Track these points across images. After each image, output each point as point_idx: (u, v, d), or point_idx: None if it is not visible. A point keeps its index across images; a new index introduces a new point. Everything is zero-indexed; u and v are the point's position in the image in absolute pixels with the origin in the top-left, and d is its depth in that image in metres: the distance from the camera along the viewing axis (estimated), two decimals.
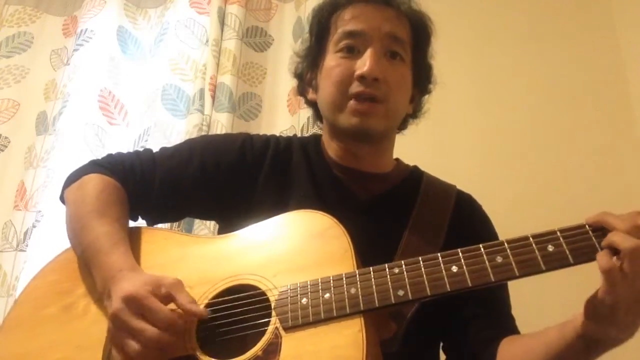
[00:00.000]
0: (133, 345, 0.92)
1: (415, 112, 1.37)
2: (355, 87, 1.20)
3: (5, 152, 2.26)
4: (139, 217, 1.27)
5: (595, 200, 1.85)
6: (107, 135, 2.16)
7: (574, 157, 2.01)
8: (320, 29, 1.32)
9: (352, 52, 1.24)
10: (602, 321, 0.87)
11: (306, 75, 1.37)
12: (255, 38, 2.32)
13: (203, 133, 2.04)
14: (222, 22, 2.24)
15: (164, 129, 2.14)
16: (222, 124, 2.06)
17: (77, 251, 1.14)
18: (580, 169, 1.98)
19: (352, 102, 1.20)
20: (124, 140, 2.17)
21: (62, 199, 1.26)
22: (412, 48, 1.29)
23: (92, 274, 1.07)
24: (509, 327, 1.16)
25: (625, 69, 2.08)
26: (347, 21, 1.27)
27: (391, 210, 1.24)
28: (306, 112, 2.00)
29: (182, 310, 0.95)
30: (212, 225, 1.87)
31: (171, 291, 0.96)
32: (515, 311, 1.20)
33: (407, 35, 1.28)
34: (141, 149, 1.34)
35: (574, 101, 2.08)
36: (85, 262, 1.09)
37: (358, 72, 1.20)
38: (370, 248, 1.02)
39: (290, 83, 2.14)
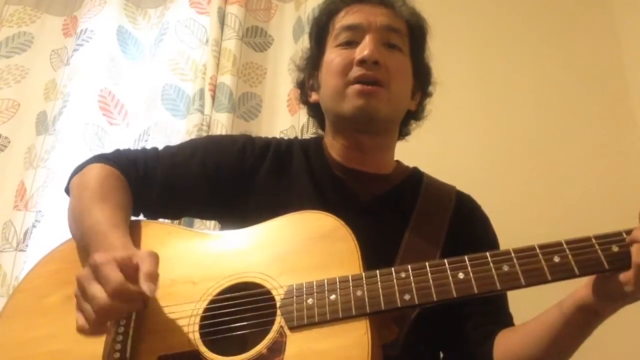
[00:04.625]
0: (87, 309, 0.91)
1: (417, 112, 1.39)
2: (356, 72, 1.22)
3: (5, 152, 2.25)
4: (141, 213, 1.27)
5: (597, 202, 1.86)
6: (107, 135, 2.16)
7: (575, 158, 2.01)
8: (319, 31, 1.36)
9: (350, 44, 1.26)
10: (614, 300, 0.91)
11: (308, 81, 1.40)
12: (255, 38, 2.33)
13: (203, 133, 2.04)
14: (222, 22, 2.24)
15: (164, 129, 2.14)
16: (222, 124, 2.06)
17: (77, 236, 1.14)
18: (582, 170, 1.98)
19: (353, 86, 1.22)
20: (124, 140, 2.17)
21: (67, 191, 1.26)
22: (409, 42, 1.32)
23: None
24: (507, 324, 1.17)
25: (626, 70, 2.09)
26: (344, 17, 1.30)
27: (392, 210, 1.25)
28: (306, 112, 2.00)
29: (138, 280, 0.92)
30: (212, 224, 1.87)
31: (140, 262, 0.94)
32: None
33: (403, 28, 1.31)
34: (148, 147, 1.34)
35: (576, 102, 2.09)
36: (85, 245, 1.09)
37: (358, 57, 1.22)
38: (372, 248, 1.02)
39: (290, 83, 2.15)
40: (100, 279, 0.91)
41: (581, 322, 0.97)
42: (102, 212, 1.10)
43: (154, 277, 0.92)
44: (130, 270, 0.93)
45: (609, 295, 0.90)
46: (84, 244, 1.10)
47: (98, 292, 0.90)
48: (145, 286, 0.90)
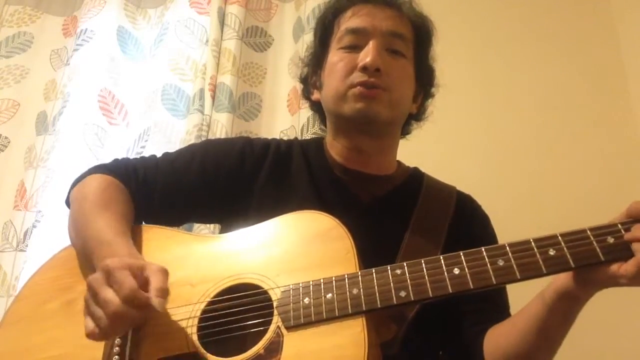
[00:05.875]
0: (98, 313, 0.91)
1: (419, 114, 1.39)
2: (358, 77, 1.22)
3: (5, 152, 2.25)
4: (143, 221, 1.26)
5: (598, 203, 1.85)
6: (107, 135, 2.16)
7: (576, 159, 2.02)
8: (323, 30, 1.35)
9: (354, 48, 1.26)
10: (600, 287, 0.91)
11: (311, 78, 1.39)
12: (255, 38, 2.32)
13: (203, 133, 2.04)
14: (222, 22, 2.24)
15: (164, 129, 2.14)
16: (222, 124, 2.06)
17: (79, 245, 1.13)
18: (582, 172, 1.98)
19: (355, 89, 1.22)
20: (124, 140, 2.17)
21: (67, 203, 1.26)
22: (413, 46, 1.31)
23: (93, 266, 1.05)
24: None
25: (626, 73, 2.09)
26: (349, 19, 1.30)
27: (392, 211, 1.25)
28: (306, 112, 2.01)
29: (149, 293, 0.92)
30: (212, 225, 1.87)
31: (150, 275, 0.94)
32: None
33: (408, 32, 1.30)
34: (147, 155, 1.34)
35: (576, 105, 2.09)
36: (87, 254, 1.09)
37: (361, 64, 1.22)
38: (372, 249, 1.02)
39: (290, 83, 2.16)
40: (113, 283, 0.91)
41: (563, 308, 0.97)
42: (105, 221, 1.10)
43: (164, 293, 0.92)
44: (141, 280, 0.93)
45: (594, 283, 0.91)
46: (86, 252, 1.10)
47: (111, 296, 0.90)
48: (156, 301, 0.90)
